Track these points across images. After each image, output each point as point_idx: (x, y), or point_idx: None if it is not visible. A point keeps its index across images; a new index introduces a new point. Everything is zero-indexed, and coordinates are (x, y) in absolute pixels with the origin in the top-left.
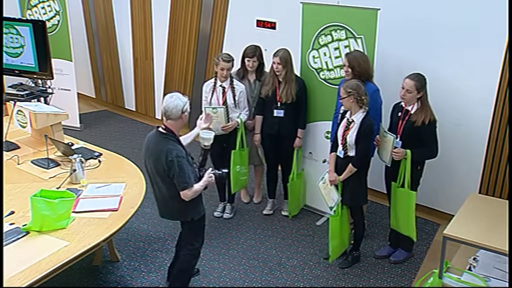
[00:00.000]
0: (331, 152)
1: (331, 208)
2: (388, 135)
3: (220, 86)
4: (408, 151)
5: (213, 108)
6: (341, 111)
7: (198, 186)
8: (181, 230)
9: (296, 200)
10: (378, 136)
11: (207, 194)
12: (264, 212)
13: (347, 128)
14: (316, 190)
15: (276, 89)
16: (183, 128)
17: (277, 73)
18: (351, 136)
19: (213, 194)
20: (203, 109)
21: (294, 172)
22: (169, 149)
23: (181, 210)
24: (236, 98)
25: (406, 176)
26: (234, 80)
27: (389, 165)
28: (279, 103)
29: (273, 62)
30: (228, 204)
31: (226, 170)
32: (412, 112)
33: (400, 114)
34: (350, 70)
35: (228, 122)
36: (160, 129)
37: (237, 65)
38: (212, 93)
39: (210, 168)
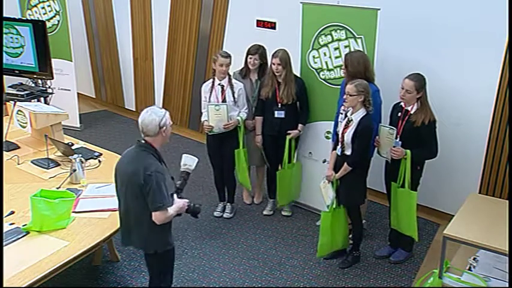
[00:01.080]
0: (333, 150)
1: (328, 206)
2: (394, 132)
3: (219, 84)
4: (408, 151)
5: (216, 105)
6: (341, 112)
7: (172, 211)
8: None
9: (284, 190)
10: (377, 137)
11: (207, 194)
12: (264, 213)
13: (346, 126)
14: (316, 189)
15: (275, 90)
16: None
17: (277, 74)
18: (348, 135)
19: (213, 193)
20: (203, 109)
21: (286, 162)
22: (149, 163)
23: (145, 237)
24: (235, 96)
25: (407, 176)
26: (232, 78)
27: (389, 162)
28: (279, 104)
29: (273, 63)
30: (228, 204)
31: (199, 206)
32: (411, 112)
33: (399, 114)
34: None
35: (229, 120)
36: (141, 142)
37: (239, 65)
38: (211, 92)
39: (187, 200)
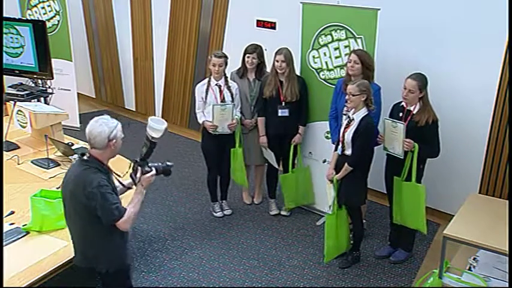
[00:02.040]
0: (335, 150)
1: (330, 206)
2: (398, 124)
3: (216, 84)
4: (416, 144)
5: (222, 105)
6: (344, 113)
7: (132, 209)
8: None
9: (291, 193)
10: (380, 133)
11: (207, 195)
12: (272, 213)
13: (347, 126)
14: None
15: (278, 88)
16: None
17: (281, 71)
18: (349, 134)
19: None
20: (197, 109)
21: (290, 167)
22: (89, 180)
23: (97, 253)
24: (233, 96)
25: (413, 169)
26: (230, 78)
27: (402, 157)
28: (283, 102)
29: (276, 61)
30: (224, 201)
31: (171, 163)
32: (414, 112)
33: (401, 114)
34: (358, 65)
35: (232, 119)
36: (84, 156)
37: (237, 65)
38: (207, 92)
39: (153, 171)
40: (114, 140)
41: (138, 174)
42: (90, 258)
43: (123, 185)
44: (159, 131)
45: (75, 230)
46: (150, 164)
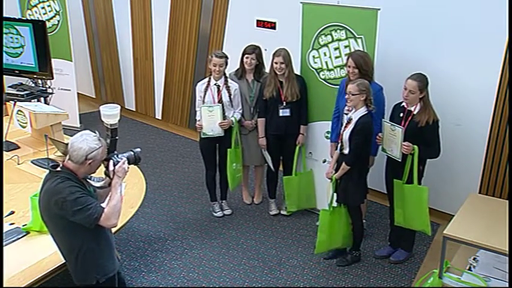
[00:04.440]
0: (336, 149)
1: (328, 205)
2: (396, 128)
3: (215, 84)
4: (416, 146)
5: (209, 106)
6: (345, 112)
7: (111, 203)
8: None
9: (294, 196)
10: (379, 133)
11: (207, 195)
12: (272, 213)
13: (346, 125)
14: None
15: (279, 89)
16: None
17: (280, 72)
18: (346, 133)
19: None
20: (197, 108)
21: (294, 169)
22: (58, 188)
23: (85, 266)
24: (231, 97)
25: (414, 171)
26: (229, 78)
27: (399, 160)
28: (284, 102)
29: (275, 62)
30: (224, 201)
31: (138, 149)
32: (415, 113)
33: (402, 115)
34: (357, 70)
35: (224, 119)
36: (58, 168)
37: (236, 65)
38: (206, 92)
39: (124, 158)
40: (91, 160)
41: (111, 167)
42: (80, 271)
43: (108, 185)
44: (114, 116)
45: (64, 245)
46: (120, 155)
